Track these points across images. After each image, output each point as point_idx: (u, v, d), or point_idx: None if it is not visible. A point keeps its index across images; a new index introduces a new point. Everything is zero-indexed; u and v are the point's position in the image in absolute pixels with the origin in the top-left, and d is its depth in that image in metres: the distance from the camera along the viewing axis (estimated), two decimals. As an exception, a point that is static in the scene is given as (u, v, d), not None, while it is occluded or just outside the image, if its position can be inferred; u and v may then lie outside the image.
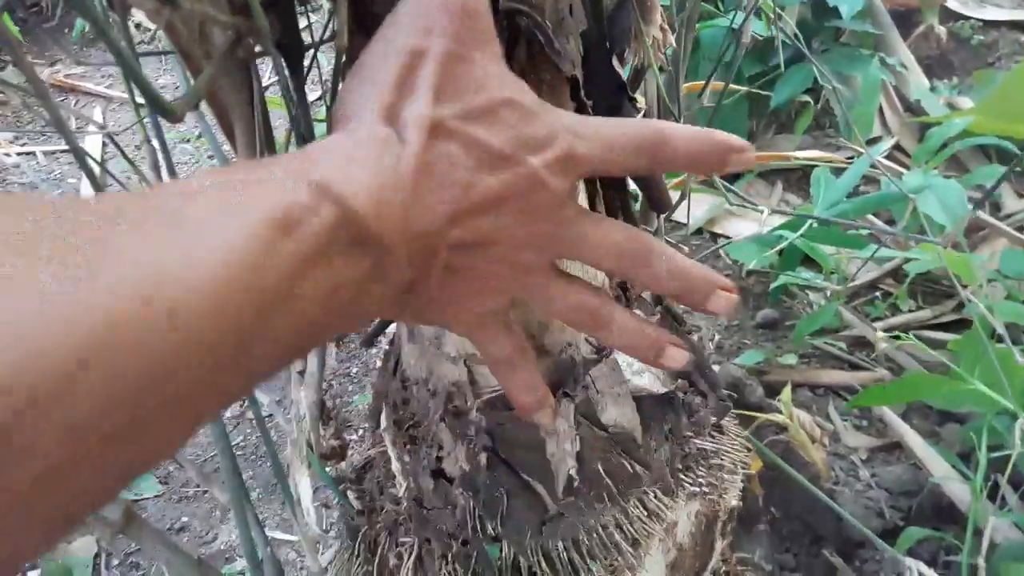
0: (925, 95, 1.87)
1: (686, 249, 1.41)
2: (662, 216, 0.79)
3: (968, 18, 2.14)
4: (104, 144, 2.22)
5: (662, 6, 0.67)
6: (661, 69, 0.73)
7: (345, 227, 0.32)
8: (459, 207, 0.38)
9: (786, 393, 1.06)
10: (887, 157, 1.77)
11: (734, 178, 1.76)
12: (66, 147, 2.17)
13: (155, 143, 0.70)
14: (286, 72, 0.58)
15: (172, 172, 0.73)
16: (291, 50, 0.56)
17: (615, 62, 0.61)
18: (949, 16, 2.16)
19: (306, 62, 0.58)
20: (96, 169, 0.65)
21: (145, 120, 0.73)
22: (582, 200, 0.63)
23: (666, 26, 0.66)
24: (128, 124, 2.31)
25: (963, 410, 1.16)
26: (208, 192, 0.30)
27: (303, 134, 0.60)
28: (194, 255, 0.27)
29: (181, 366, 0.26)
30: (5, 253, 0.23)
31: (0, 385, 0.21)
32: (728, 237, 1.68)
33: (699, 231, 1.73)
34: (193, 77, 0.60)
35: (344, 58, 0.50)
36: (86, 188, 1.97)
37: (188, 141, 2.24)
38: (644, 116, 0.74)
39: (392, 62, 0.40)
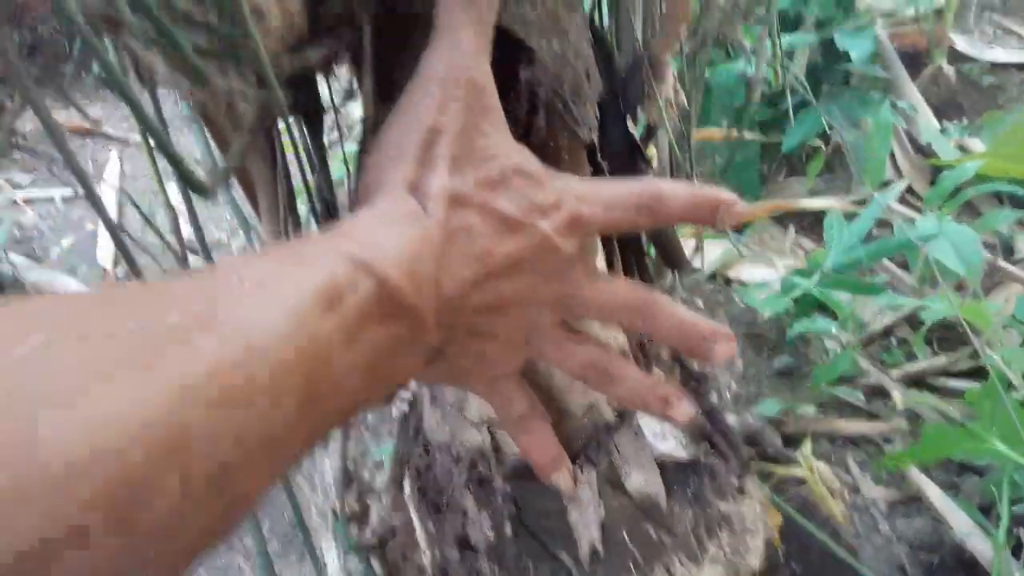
0: (935, 137, 1.87)
1: (699, 302, 1.41)
2: (676, 272, 0.79)
3: (976, 60, 2.15)
4: (121, 190, 2.24)
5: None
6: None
7: (382, 299, 0.34)
8: (480, 272, 0.41)
9: (806, 448, 1.05)
10: (899, 200, 1.77)
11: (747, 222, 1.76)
12: (83, 193, 2.20)
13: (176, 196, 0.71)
14: (306, 137, 0.59)
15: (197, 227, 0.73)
16: (312, 116, 0.57)
17: (629, 123, 0.62)
18: (957, 58, 2.17)
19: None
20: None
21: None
22: (600, 259, 0.63)
23: (678, 86, 0.66)
24: (145, 169, 2.34)
25: (983, 462, 1.15)
26: (255, 274, 0.32)
27: (324, 196, 0.60)
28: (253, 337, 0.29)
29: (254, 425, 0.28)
30: (114, 349, 0.25)
31: (126, 449, 0.23)
32: (743, 282, 1.68)
33: (713, 276, 1.73)
34: (215, 142, 0.61)
35: (369, 124, 0.51)
36: (103, 232, 1.99)
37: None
38: (657, 171, 0.75)
39: (412, 139, 0.43)
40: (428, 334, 0.38)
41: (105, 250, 2.03)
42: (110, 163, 2.39)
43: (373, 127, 0.54)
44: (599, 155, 0.61)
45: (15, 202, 2.26)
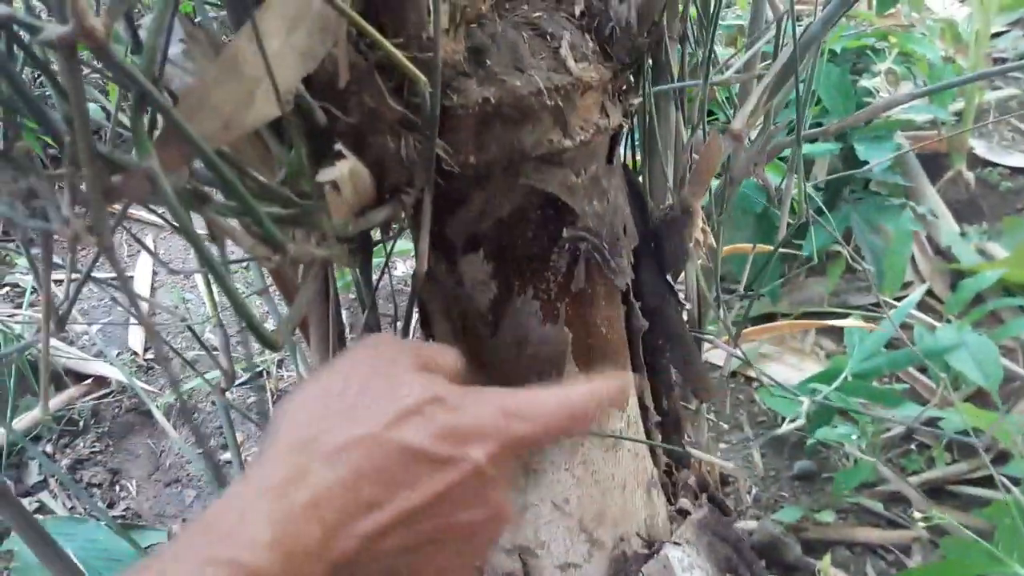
0: (956, 241, 1.91)
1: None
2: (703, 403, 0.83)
3: (996, 164, 2.19)
4: (154, 273, 2.30)
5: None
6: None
7: None
8: (392, 516, 0.39)
9: (826, 562, 1.06)
10: (919, 303, 1.80)
11: (766, 319, 1.79)
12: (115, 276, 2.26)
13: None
14: (360, 277, 0.63)
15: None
16: (365, 262, 0.61)
17: (667, 276, 0.66)
18: (976, 162, 2.21)
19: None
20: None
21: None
22: (632, 399, 0.66)
23: (706, 228, 0.70)
24: (179, 250, 2.40)
25: (1003, 577, 1.15)
26: None
27: (371, 324, 0.64)
28: None
29: None
30: None
31: None
32: (763, 384, 1.70)
33: (733, 374, 1.75)
34: (276, 283, 0.65)
35: (421, 279, 0.55)
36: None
37: (237, 273, 2.32)
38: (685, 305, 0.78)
39: (319, 400, 0.43)
40: None
41: (137, 334, 2.08)
42: (146, 244, 2.46)
43: (425, 281, 0.58)
44: (631, 296, 0.65)
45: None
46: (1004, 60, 2.37)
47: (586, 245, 0.57)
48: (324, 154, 0.49)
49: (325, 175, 0.45)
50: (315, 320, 0.64)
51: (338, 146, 0.46)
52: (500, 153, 0.52)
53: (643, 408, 0.68)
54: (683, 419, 0.73)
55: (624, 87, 0.59)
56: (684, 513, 0.68)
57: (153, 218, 2.58)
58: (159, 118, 0.42)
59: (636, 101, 0.60)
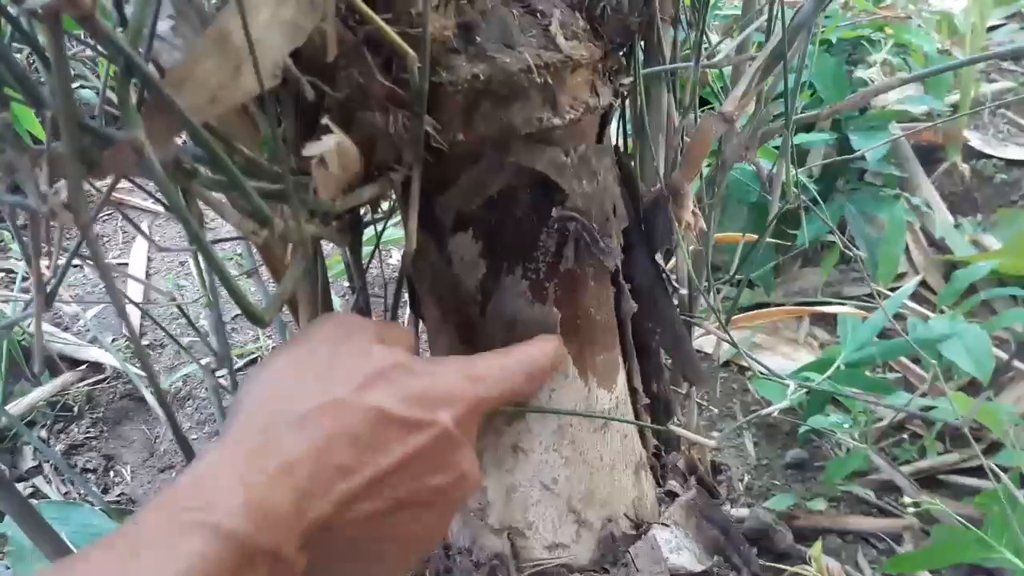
0: (950, 232, 1.91)
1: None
2: (693, 387, 0.83)
3: (991, 156, 2.19)
4: (149, 259, 2.30)
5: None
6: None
7: (235, 555, 0.34)
8: (363, 481, 0.39)
9: (817, 548, 1.06)
10: (913, 295, 1.80)
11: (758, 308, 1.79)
12: (117, 261, 2.25)
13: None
14: (350, 259, 0.63)
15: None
16: (354, 242, 0.61)
17: (657, 256, 0.66)
18: (972, 154, 2.21)
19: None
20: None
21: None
22: (620, 376, 0.66)
23: (697, 211, 0.70)
24: (174, 238, 2.40)
25: (994, 566, 1.15)
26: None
27: (362, 310, 0.64)
28: None
29: None
30: None
31: None
32: (756, 372, 1.70)
33: (726, 363, 1.75)
34: (265, 261, 0.65)
35: (409, 257, 0.55)
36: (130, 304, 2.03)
37: (231, 260, 2.31)
38: (676, 288, 0.78)
39: (286, 370, 0.44)
40: (293, 565, 0.37)
41: (133, 320, 2.08)
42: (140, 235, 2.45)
43: (414, 259, 0.58)
44: (620, 278, 0.65)
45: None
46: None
47: (575, 225, 0.57)
48: (312, 130, 0.49)
49: (312, 149, 0.45)
50: (304, 300, 0.64)
51: (325, 119, 0.46)
52: (489, 131, 0.52)
53: (632, 391, 0.68)
54: (673, 403, 0.73)
55: (615, 67, 0.59)
56: (672, 495, 0.69)
57: (148, 204, 2.58)
58: (148, 98, 0.42)
59: (627, 81, 0.60)
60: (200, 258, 0.69)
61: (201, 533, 0.33)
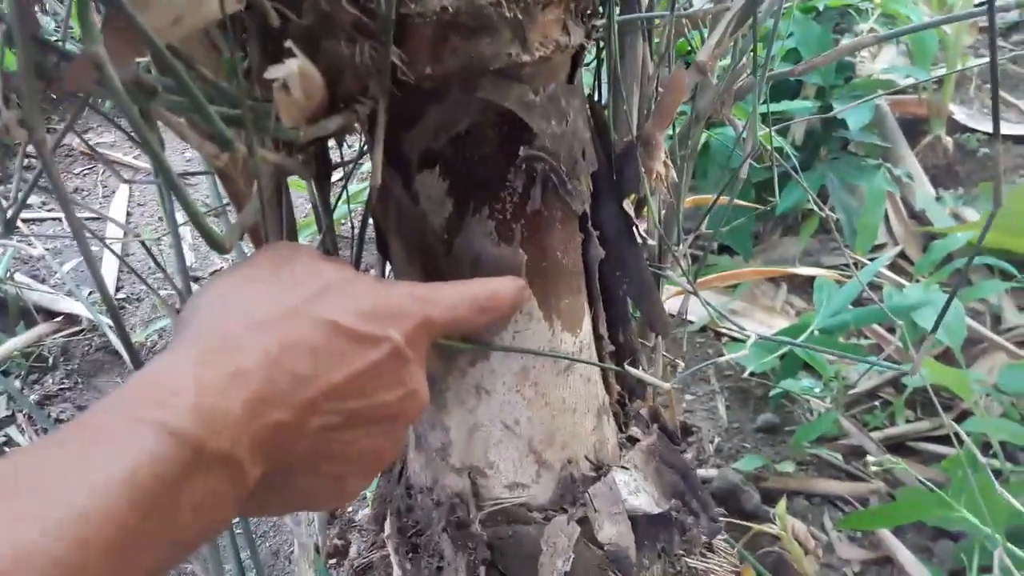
0: (930, 205, 1.92)
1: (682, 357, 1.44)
2: (660, 337, 0.83)
3: (975, 131, 2.20)
4: (128, 214, 2.29)
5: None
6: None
7: (184, 455, 0.34)
8: (319, 392, 0.40)
9: (781, 507, 1.08)
10: (891, 265, 1.81)
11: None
12: (92, 215, 2.23)
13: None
14: (317, 198, 0.63)
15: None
16: (321, 176, 0.60)
17: (625, 203, 0.66)
18: (956, 127, 2.22)
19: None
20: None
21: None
22: (586, 322, 0.67)
23: (668, 161, 0.70)
24: (153, 194, 2.38)
25: (956, 528, 1.17)
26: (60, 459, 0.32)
27: (328, 248, 0.64)
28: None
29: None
30: None
31: None
32: (732, 337, 1.71)
33: (703, 329, 1.76)
34: (229, 194, 0.65)
35: (376, 192, 0.55)
36: (108, 256, 2.03)
37: (201, 205, 2.30)
38: (645, 239, 0.79)
39: (237, 285, 0.44)
40: (246, 473, 0.37)
41: (108, 274, 2.07)
42: (119, 189, 2.44)
43: (380, 197, 0.58)
44: (589, 224, 0.65)
45: (23, 222, 2.30)
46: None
47: (543, 166, 0.56)
48: (277, 59, 0.48)
49: (274, 71, 0.45)
50: (271, 232, 0.64)
51: (288, 43, 0.46)
52: (457, 65, 0.51)
53: (598, 337, 0.68)
54: (639, 353, 0.73)
55: (587, 9, 0.58)
56: (634, 440, 0.69)
57: (129, 159, 2.56)
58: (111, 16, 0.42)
59: (600, 23, 0.60)
60: (163, 188, 0.69)
61: (152, 431, 0.33)
